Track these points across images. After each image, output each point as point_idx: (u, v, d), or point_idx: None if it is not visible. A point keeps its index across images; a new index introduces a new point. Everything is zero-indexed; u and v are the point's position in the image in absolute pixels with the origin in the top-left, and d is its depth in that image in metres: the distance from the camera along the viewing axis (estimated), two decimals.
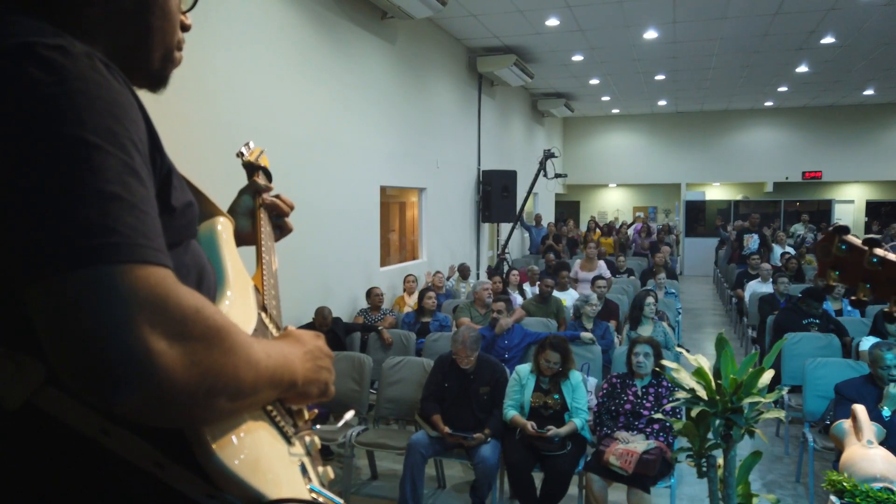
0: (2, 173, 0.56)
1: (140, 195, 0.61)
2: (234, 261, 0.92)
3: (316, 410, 0.89)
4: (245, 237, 1.12)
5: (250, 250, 1.10)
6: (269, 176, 1.22)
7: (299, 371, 0.77)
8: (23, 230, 0.55)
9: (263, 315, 0.91)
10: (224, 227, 0.96)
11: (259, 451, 0.71)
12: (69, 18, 0.69)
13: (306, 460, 0.82)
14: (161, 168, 0.71)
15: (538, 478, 3.70)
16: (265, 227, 1.12)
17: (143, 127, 0.67)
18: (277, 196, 1.20)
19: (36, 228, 0.55)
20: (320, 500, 0.77)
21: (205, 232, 0.92)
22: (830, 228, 1.33)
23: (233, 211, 1.15)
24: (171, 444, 0.65)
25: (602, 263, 8.19)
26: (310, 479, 0.80)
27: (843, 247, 1.28)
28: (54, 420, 0.63)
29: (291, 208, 1.22)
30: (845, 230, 1.30)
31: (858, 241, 1.28)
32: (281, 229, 1.21)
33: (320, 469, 0.86)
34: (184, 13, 0.84)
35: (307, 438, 0.85)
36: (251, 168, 1.21)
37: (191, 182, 0.85)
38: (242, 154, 1.23)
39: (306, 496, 0.75)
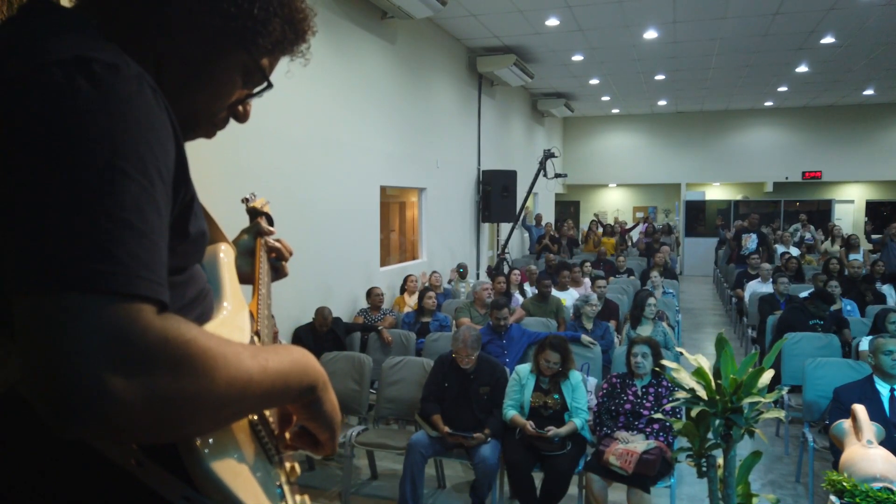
0: (27, 176, 0.56)
1: (153, 225, 0.61)
2: (234, 284, 0.95)
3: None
4: (241, 276, 1.12)
5: (247, 286, 1.13)
6: (271, 222, 1.28)
7: (320, 375, 0.78)
8: (29, 239, 0.55)
9: (256, 340, 0.93)
10: (226, 254, 0.99)
11: (244, 464, 0.72)
12: (137, 44, 0.71)
13: (286, 487, 0.83)
14: (184, 197, 0.71)
15: (538, 478, 3.70)
16: (264, 265, 1.17)
17: (173, 156, 0.67)
18: (278, 240, 1.25)
19: (41, 241, 0.55)
20: None
21: (208, 255, 0.94)
22: None
23: None
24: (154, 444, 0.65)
25: (587, 281, 7.48)
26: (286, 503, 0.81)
27: None
28: (35, 410, 0.63)
29: (291, 254, 1.26)
30: None
31: None
32: (277, 272, 1.25)
33: (297, 497, 0.87)
34: (245, 101, 0.86)
35: (287, 465, 0.87)
36: (254, 213, 1.28)
37: (203, 208, 0.87)
38: (248, 200, 1.31)
39: None
